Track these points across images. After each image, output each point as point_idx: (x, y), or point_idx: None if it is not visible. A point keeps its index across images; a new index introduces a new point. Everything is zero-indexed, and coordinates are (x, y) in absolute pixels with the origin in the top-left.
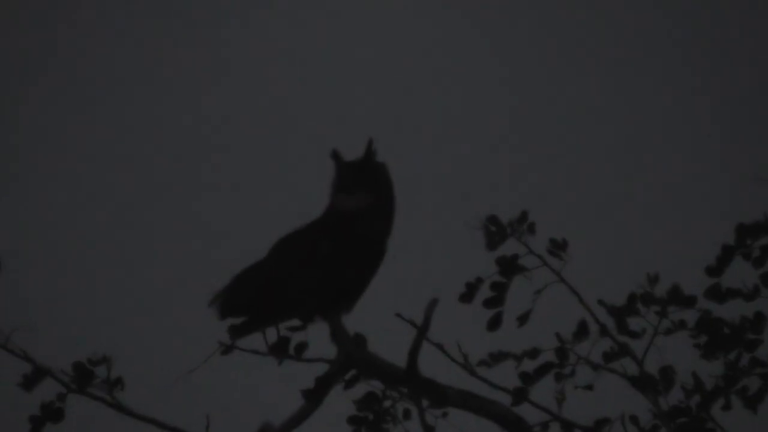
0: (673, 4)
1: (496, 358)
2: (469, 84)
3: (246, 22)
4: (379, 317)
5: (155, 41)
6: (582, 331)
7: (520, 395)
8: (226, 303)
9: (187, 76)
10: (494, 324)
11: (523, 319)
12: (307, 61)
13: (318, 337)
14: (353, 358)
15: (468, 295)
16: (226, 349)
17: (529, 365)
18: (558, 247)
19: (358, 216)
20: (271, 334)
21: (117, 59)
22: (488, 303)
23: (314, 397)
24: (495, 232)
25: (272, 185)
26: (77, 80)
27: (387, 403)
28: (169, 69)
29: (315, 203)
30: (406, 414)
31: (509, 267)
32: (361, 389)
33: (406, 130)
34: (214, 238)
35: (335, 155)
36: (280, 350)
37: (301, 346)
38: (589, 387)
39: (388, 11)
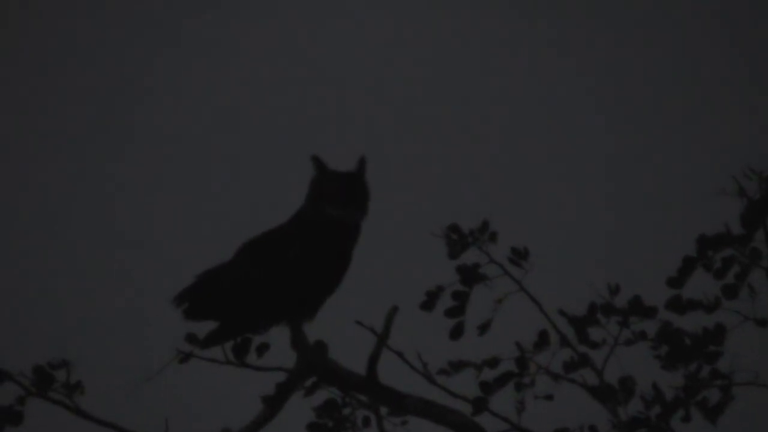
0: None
1: (456, 366)
2: (433, 88)
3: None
4: (339, 324)
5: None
6: (542, 340)
7: (479, 404)
8: (192, 306)
9: (173, 78)
10: (456, 333)
11: (483, 328)
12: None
13: (279, 343)
14: (313, 365)
15: (429, 303)
16: (184, 358)
17: (489, 374)
18: (519, 256)
19: (344, 228)
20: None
21: (103, 58)
22: (449, 312)
23: (274, 403)
24: (457, 240)
25: (236, 187)
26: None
27: (346, 411)
28: (156, 73)
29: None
30: (366, 421)
31: (470, 276)
32: (320, 396)
33: (371, 135)
34: (175, 242)
35: (318, 162)
36: (240, 353)
37: (263, 348)
38: (549, 397)
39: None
